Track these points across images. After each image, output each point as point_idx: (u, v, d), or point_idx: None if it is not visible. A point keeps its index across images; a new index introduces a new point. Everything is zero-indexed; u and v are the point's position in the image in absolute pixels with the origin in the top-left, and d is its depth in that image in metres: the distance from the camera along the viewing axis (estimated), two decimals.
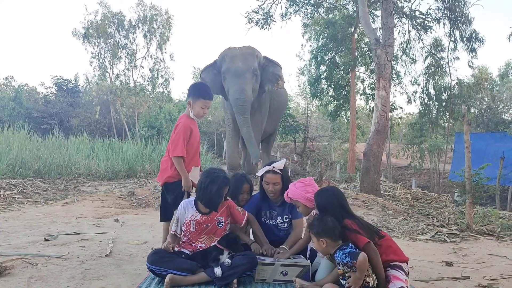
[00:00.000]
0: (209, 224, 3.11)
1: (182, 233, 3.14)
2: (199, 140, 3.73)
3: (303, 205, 3.04)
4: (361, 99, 21.18)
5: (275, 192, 3.30)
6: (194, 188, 3.46)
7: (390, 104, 10.54)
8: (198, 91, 3.61)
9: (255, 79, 8.69)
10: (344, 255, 2.48)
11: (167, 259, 2.87)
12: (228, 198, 3.25)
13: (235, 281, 2.84)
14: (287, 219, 3.41)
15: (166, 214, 3.58)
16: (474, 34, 16.83)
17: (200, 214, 3.11)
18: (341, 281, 2.54)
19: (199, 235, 3.11)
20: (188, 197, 3.51)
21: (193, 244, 3.12)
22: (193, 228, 3.10)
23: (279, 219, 3.41)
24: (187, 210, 3.12)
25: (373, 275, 2.51)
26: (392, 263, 2.65)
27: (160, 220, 3.67)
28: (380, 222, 6.91)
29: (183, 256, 3.02)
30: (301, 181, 3.12)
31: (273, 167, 3.31)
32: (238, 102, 8.32)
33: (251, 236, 3.52)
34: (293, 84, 79.21)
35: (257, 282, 2.93)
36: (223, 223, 3.16)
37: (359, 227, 2.64)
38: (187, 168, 3.50)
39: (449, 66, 18.62)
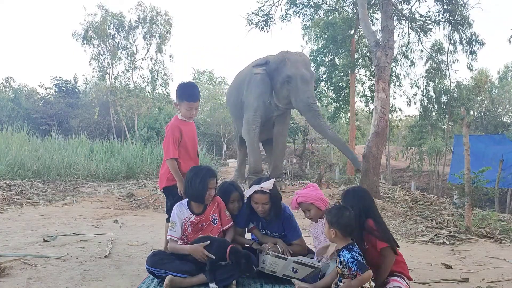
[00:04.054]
0: (204, 224, 3.12)
1: (180, 236, 3.12)
2: (195, 139, 3.60)
3: (316, 208, 3.04)
4: (360, 101, 21.20)
5: (264, 212, 3.22)
6: None
7: (390, 106, 10.56)
8: (182, 93, 3.45)
9: None
10: (353, 260, 2.44)
11: (166, 261, 2.87)
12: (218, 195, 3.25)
13: (234, 282, 2.84)
14: (277, 234, 3.34)
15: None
16: (474, 36, 16.87)
17: (195, 215, 3.10)
18: (338, 282, 2.54)
19: (196, 235, 3.10)
20: None
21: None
22: (189, 230, 3.11)
23: (268, 232, 3.36)
24: (182, 212, 3.12)
25: (370, 280, 2.50)
26: (396, 273, 2.70)
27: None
28: None
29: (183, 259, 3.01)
30: (308, 186, 3.13)
31: (261, 187, 3.17)
32: (315, 107, 8.68)
33: (247, 236, 3.51)
34: None
35: (267, 272, 2.95)
36: (217, 220, 3.17)
37: (379, 229, 2.65)
38: (185, 170, 3.39)
39: (448, 68, 18.67)
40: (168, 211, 3.52)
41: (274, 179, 3.33)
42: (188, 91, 3.45)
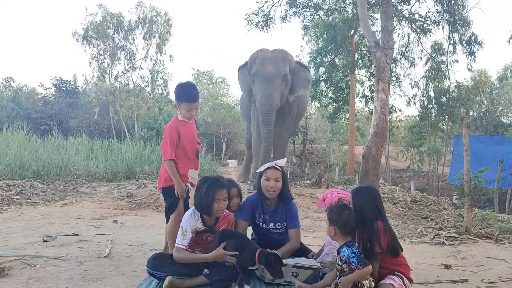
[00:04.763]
0: (208, 238, 3.06)
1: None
2: (195, 140, 3.54)
3: None
4: (360, 101, 21.21)
5: (276, 190, 3.20)
6: (193, 188, 3.43)
7: (390, 106, 10.57)
8: (181, 94, 3.38)
9: (285, 84, 8.46)
10: (353, 255, 2.46)
11: (168, 264, 2.86)
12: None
13: (233, 283, 2.83)
14: (280, 227, 3.33)
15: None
16: (473, 37, 16.87)
17: (204, 228, 3.02)
18: (338, 282, 2.54)
19: (196, 245, 3.07)
20: (186, 199, 3.48)
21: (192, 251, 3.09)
22: (194, 239, 3.07)
23: (271, 224, 3.33)
24: (195, 222, 3.02)
25: (370, 279, 2.51)
26: (396, 272, 2.71)
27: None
28: None
29: None
30: (342, 192, 3.14)
31: (275, 163, 3.27)
32: (264, 109, 8.01)
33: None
34: None
35: (268, 282, 2.93)
36: None
37: (385, 234, 2.65)
38: (183, 171, 3.39)
39: (448, 69, 18.67)
40: (167, 212, 3.52)
41: (287, 158, 3.40)
42: (187, 92, 3.40)
